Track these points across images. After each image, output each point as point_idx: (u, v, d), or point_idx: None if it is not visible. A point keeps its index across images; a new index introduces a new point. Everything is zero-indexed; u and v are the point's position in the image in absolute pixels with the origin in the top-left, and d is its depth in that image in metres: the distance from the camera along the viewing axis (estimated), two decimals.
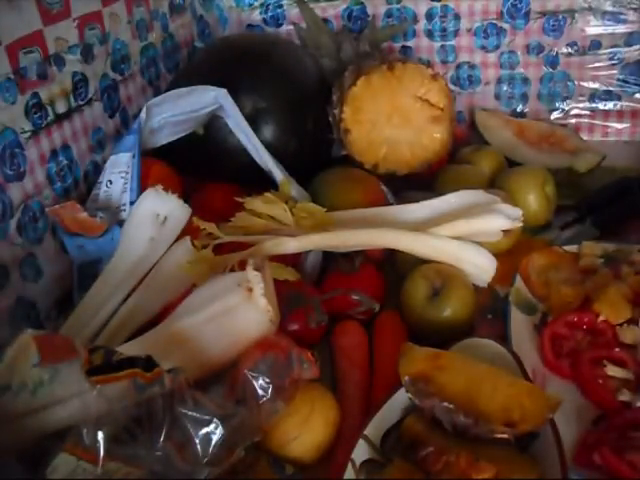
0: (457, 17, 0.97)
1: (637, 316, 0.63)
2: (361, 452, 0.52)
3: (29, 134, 0.66)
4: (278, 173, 0.78)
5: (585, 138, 1.00)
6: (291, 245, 0.68)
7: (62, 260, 0.71)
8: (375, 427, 0.54)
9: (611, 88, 0.98)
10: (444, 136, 0.83)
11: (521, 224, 0.71)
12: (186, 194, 0.77)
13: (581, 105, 1.00)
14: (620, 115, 1.00)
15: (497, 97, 1.02)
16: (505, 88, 1.01)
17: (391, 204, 0.80)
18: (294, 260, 0.71)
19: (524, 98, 1.01)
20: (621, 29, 0.94)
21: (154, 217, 0.68)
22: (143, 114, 0.76)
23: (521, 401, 0.50)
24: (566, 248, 0.75)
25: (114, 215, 0.71)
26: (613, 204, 0.82)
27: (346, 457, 0.52)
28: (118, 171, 0.73)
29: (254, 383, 0.52)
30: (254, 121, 0.79)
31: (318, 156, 0.89)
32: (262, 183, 0.76)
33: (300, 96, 0.85)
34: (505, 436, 0.49)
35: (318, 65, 0.93)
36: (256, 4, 1.01)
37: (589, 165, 0.91)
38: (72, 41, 0.72)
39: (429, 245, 0.69)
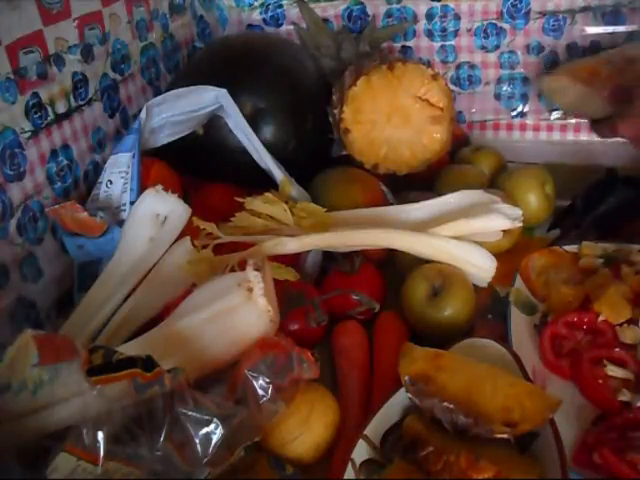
0: (457, 17, 0.97)
1: (637, 316, 0.63)
2: (361, 452, 0.53)
3: (29, 134, 0.66)
4: (278, 173, 0.78)
5: (585, 138, 1.00)
6: (291, 245, 0.68)
7: (62, 260, 0.71)
8: (375, 427, 0.54)
9: None
10: (444, 136, 0.83)
11: (521, 224, 0.71)
12: (186, 194, 0.77)
13: None
14: None
15: (497, 97, 1.02)
16: (505, 88, 1.01)
17: (391, 204, 0.80)
18: (294, 260, 0.71)
19: (524, 98, 1.01)
20: (621, 29, 0.94)
21: (154, 217, 0.68)
22: (143, 114, 0.76)
23: (521, 401, 0.50)
24: (566, 248, 0.75)
25: (114, 215, 0.71)
26: (605, 202, 0.81)
27: (346, 457, 0.52)
28: (118, 171, 0.73)
29: (254, 383, 0.52)
30: (254, 121, 0.79)
31: (318, 156, 0.89)
32: (262, 183, 0.76)
33: (300, 96, 0.85)
34: (505, 436, 0.49)
35: (318, 65, 0.93)
36: (256, 4, 1.01)
37: None
38: (72, 41, 0.72)
39: (429, 245, 0.69)
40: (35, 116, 0.66)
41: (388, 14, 0.98)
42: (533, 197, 0.81)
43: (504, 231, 0.72)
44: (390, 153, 0.83)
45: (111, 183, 0.73)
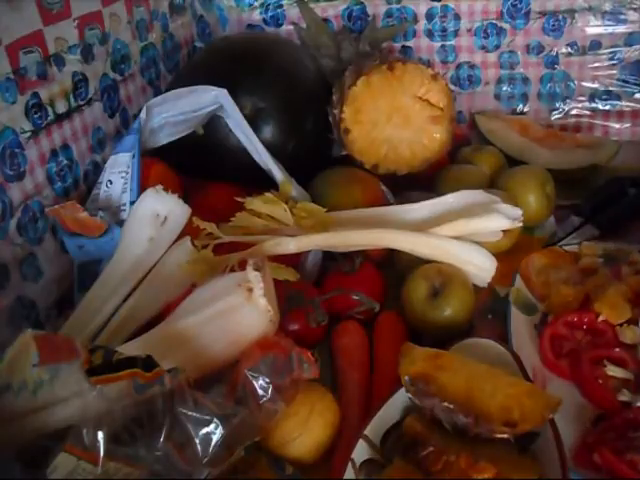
0: (457, 17, 0.97)
1: (637, 316, 0.63)
2: (361, 452, 0.53)
3: (29, 134, 0.66)
4: (278, 173, 0.78)
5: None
6: (291, 245, 0.68)
7: (62, 260, 0.71)
8: (375, 427, 0.54)
9: (611, 88, 0.98)
10: (444, 136, 0.83)
11: (521, 224, 0.71)
12: (186, 194, 0.77)
13: (581, 105, 1.00)
14: (620, 115, 1.00)
15: (497, 97, 1.02)
16: (505, 88, 1.01)
17: (391, 204, 0.80)
18: (294, 260, 0.71)
19: (524, 98, 1.01)
20: (621, 29, 0.95)
21: (154, 217, 0.68)
22: (143, 114, 0.76)
23: (521, 401, 0.50)
24: (566, 248, 0.75)
25: (114, 215, 0.71)
26: (614, 205, 0.81)
27: (346, 457, 0.52)
28: (118, 171, 0.73)
29: (254, 383, 0.52)
30: (254, 121, 0.79)
31: (318, 156, 0.89)
32: (262, 183, 0.76)
33: (300, 96, 0.85)
34: (505, 436, 0.49)
35: (318, 65, 0.93)
36: (256, 4, 1.01)
37: (610, 155, 0.90)
38: (72, 41, 0.72)
39: (429, 245, 0.69)
40: (35, 116, 0.66)
41: (388, 14, 0.98)
42: (533, 197, 0.81)
43: (504, 231, 0.72)
44: (390, 153, 0.83)
45: (111, 183, 0.73)
